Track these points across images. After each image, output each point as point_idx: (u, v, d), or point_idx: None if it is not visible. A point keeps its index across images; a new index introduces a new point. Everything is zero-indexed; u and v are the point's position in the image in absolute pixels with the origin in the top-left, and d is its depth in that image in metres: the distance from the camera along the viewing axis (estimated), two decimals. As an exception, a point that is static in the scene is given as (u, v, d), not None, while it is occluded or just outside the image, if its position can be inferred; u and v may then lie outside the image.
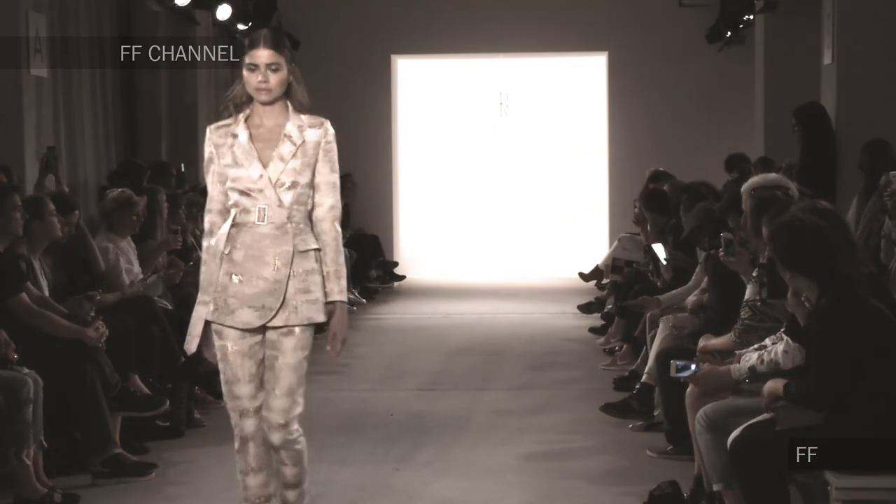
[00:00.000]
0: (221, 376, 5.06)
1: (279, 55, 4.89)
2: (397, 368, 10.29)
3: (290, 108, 4.99)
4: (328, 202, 5.01)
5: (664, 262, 9.18)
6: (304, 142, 4.95)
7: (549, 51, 16.83)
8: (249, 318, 4.93)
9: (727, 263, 6.53)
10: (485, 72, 17.31)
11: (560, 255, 16.92)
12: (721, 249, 6.52)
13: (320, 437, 7.67)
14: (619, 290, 10.94)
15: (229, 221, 4.96)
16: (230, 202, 4.98)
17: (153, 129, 13.39)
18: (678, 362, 5.83)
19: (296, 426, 5.02)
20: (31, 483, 6.20)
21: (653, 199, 10.17)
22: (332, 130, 5.03)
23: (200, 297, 5.00)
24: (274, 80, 4.90)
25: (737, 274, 6.53)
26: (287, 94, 4.97)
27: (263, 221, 4.91)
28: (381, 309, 14.09)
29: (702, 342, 6.49)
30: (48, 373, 6.39)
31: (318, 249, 4.99)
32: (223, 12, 13.03)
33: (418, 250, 17.38)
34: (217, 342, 5.01)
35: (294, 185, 4.92)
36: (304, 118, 4.99)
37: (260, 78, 4.89)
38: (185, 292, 8.29)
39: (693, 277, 8.35)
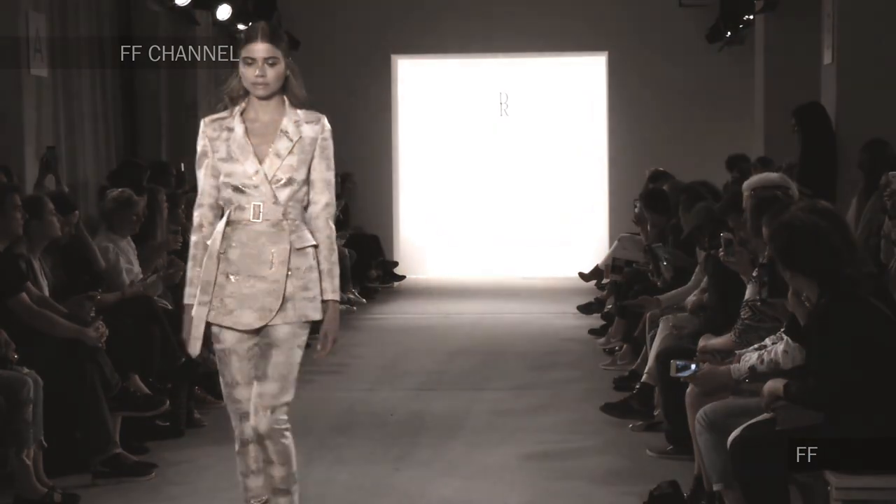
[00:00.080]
0: (221, 379, 5.02)
1: (277, 49, 4.83)
2: (397, 368, 10.29)
3: (287, 102, 4.91)
4: (323, 200, 4.97)
5: (664, 263, 9.18)
6: (300, 137, 4.88)
7: (549, 51, 16.83)
8: (249, 319, 4.87)
9: (727, 263, 6.54)
10: (485, 72, 17.31)
11: (560, 255, 16.92)
12: (721, 249, 6.52)
13: (320, 436, 7.68)
14: (619, 290, 10.94)
15: (224, 220, 4.89)
16: (223, 199, 4.91)
17: (153, 129, 13.38)
18: (678, 362, 5.83)
19: (284, 416, 4.91)
20: (31, 483, 6.20)
21: (653, 199, 10.18)
22: (328, 126, 4.97)
23: (199, 296, 4.90)
24: (271, 74, 4.83)
25: (737, 274, 6.53)
26: (284, 88, 4.89)
27: (259, 219, 4.84)
28: (381, 309, 14.09)
29: (702, 342, 6.49)
30: (48, 373, 6.39)
31: (316, 246, 4.95)
32: (223, 12, 13.04)
33: (418, 250, 17.38)
34: (216, 346, 4.96)
35: (290, 181, 4.86)
36: (301, 113, 4.92)
37: (257, 72, 4.81)
38: (185, 292, 8.28)
39: (693, 277, 8.35)
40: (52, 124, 10.75)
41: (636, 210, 11.05)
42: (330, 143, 4.96)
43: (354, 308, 13.55)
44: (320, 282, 4.93)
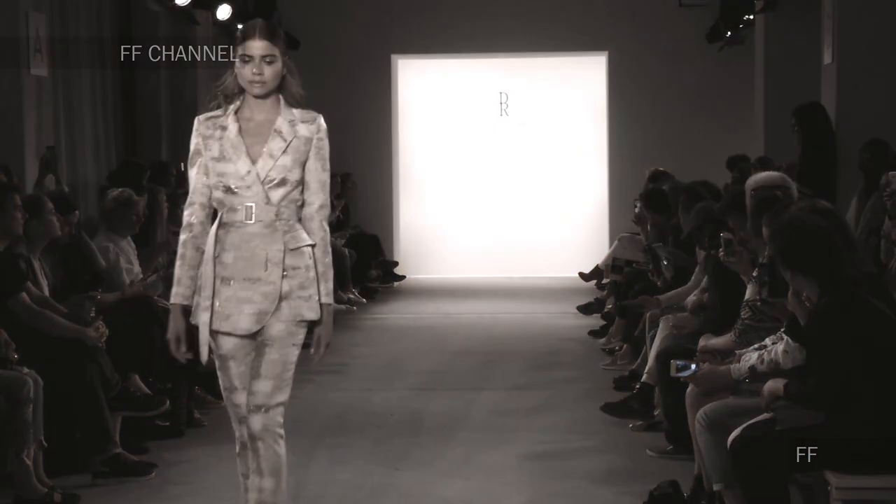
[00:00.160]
0: (220, 382, 4.94)
1: (275, 47, 4.74)
2: (397, 368, 10.29)
3: (283, 101, 4.81)
4: (318, 202, 4.84)
5: (665, 262, 9.18)
6: (295, 137, 4.78)
7: (549, 51, 16.82)
8: (247, 323, 4.78)
9: (727, 263, 6.53)
10: (485, 72, 17.31)
11: (560, 255, 16.92)
12: (721, 249, 6.52)
13: (320, 436, 7.68)
14: (619, 290, 10.94)
15: (216, 222, 4.80)
16: (215, 200, 4.80)
17: (153, 129, 13.39)
18: (678, 362, 5.83)
19: (279, 419, 4.78)
20: (31, 483, 6.20)
21: (653, 199, 10.18)
22: (324, 126, 4.86)
23: (202, 301, 4.81)
24: (269, 72, 4.73)
25: (737, 274, 6.52)
26: (280, 87, 4.79)
27: (251, 220, 4.74)
28: (381, 309, 14.10)
29: (702, 342, 6.49)
30: (48, 373, 6.39)
31: (313, 245, 4.81)
32: (223, 12, 13.04)
33: (418, 250, 17.38)
34: (215, 351, 4.88)
35: (283, 181, 4.75)
36: (297, 112, 4.81)
37: (254, 70, 4.72)
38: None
39: (693, 277, 8.35)
40: (52, 124, 10.75)
41: (636, 210, 11.06)
42: (326, 144, 4.86)
43: (354, 308, 13.55)
44: (317, 282, 4.84)
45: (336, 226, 14.72)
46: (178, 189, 10.57)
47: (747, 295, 6.22)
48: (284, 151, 4.77)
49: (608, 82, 16.81)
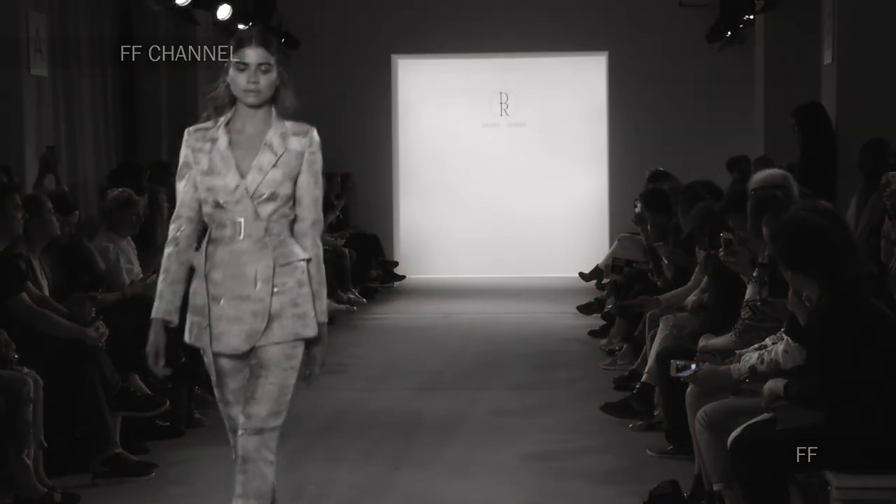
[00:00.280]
0: (216, 394, 4.83)
1: (270, 55, 4.61)
2: (397, 368, 10.29)
3: (275, 113, 4.65)
4: (310, 218, 4.69)
5: (665, 262, 9.18)
6: (286, 151, 4.62)
7: (549, 51, 16.82)
8: (237, 342, 4.63)
9: (727, 263, 6.53)
10: (485, 72, 17.30)
11: (560, 255, 16.92)
12: (721, 249, 6.52)
13: (319, 436, 7.68)
14: (619, 290, 10.94)
15: (206, 238, 4.69)
16: (205, 215, 4.67)
17: (153, 129, 13.39)
18: (678, 362, 5.83)
19: (273, 444, 4.62)
20: (31, 483, 6.20)
21: (653, 199, 10.17)
22: (317, 139, 4.69)
23: (199, 320, 4.69)
24: (264, 81, 4.58)
25: (737, 274, 6.52)
26: (274, 98, 4.64)
27: (240, 236, 4.60)
28: (381, 309, 14.09)
29: (702, 342, 6.50)
30: (48, 373, 6.39)
31: (307, 260, 4.67)
32: (223, 12, 13.03)
33: (418, 250, 17.38)
34: (210, 366, 4.77)
35: (273, 196, 4.60)
36: (289, 125, 4.65)
37: (250, 78, 4.57)
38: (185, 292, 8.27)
39: (693, 277, 8.35)
40: (52, 124, 10.76)
41: (636, 210, 11.05)
42: (318, 158, 4.69)
43: (354, 308, 13.54)
44: (312, 299, 4.68)
45: (336, 226, 14.73)
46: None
47: (747, 295, 6.22)
48: (274, 165, 4.61)
49: (608, 82, 16.80)
